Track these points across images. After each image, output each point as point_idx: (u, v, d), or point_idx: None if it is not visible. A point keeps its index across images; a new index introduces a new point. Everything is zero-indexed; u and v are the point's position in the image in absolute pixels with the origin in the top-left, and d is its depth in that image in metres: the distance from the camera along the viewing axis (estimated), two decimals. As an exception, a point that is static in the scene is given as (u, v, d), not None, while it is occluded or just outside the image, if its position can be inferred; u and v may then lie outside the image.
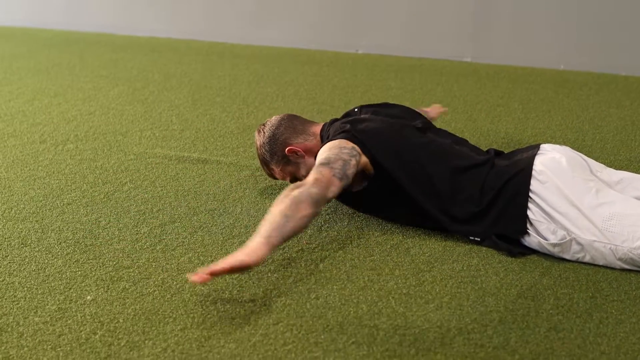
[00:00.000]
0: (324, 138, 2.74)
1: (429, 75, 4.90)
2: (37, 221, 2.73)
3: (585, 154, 3.38)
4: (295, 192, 2.27)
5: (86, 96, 4.32)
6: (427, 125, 2.80)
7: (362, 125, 2.64)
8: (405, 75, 4.86)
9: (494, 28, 5.28)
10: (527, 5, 5.18)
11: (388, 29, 5.50)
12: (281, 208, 2.22)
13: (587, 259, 2.41)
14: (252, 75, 4.84)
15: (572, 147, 3.49)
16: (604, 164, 3.27)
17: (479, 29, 5.31)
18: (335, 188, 2.37)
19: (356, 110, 2.88)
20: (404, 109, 2.91)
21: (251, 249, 2.14)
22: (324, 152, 2.51)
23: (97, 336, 2.05)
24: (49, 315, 2.14)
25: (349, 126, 2.62)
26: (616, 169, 3.21)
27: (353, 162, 2.46)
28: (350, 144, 2.52)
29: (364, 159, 2.55)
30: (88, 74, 4.81)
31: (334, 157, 2.45)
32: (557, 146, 2.61)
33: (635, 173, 3.11)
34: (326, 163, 2.42)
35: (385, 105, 2.92)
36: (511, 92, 4.49)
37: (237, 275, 2.35)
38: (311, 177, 2.36)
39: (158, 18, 6.06)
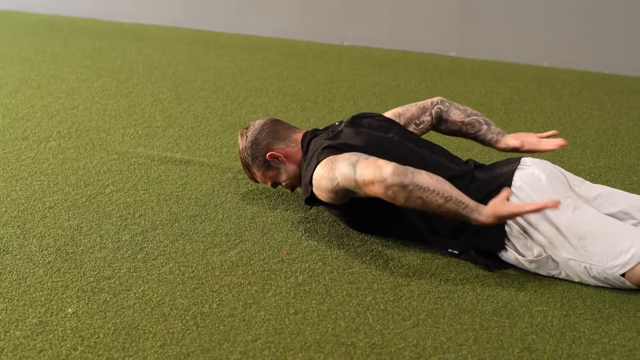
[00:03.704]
0: (304, 149, 2.76)
1: (414, 70, 4.91)
2: (18, 226, 2.73)
3: (566, 159, 3.46)
4: (400, 167, 2.34)
5: (69, 88, 4.30)
6: (404, 135, 2.81)
7: (341, 141, 2.66)
8: (390, 71, 4.87)
9: (479, 23, 5.29)
10: (513, 0, 5.19)
11: (374, 21, 5.50)
12: (436, 180, 2.35)
13: (562, 275, 2.45)
14: (236, 68, 4.84)
15: (553, 152, 3.55)
16: (584, 171, 3.33)
17: (464, 23, 5.32)
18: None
19: (337, 124, 2.89)
20: (382, 119, 2.92)
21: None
22: (329, 171, 2.49)
23: (77, 352, 2.08)
24: (30, 329, 2.16)
25: (327, 142, 2.63)
26: (595, 176, 3.28)
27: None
28: (339, 155, 2.55)
29: None
30: (72, 64, 4.79)
31: (353, 158, 2.46)
32: (538, 160, 2.63)
33: (614, 184, 3.18)
34: (356, 161, 2.43)
35: (363, 116, 2.93)
36: (494, 91, 4.51)
37: (216, 288, 2.38)
38: (374, 163, 2.37)
39: (143, 4, 6.02)
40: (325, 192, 2.54)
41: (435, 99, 3.01)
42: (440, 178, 2.37)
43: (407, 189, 2.31)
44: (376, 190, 2.35)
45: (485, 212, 2.31)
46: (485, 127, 2.92)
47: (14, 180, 3.10)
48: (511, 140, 2.85)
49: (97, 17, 6.05)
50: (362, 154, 2.50)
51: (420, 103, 3.02)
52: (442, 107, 2.97)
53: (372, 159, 2.42)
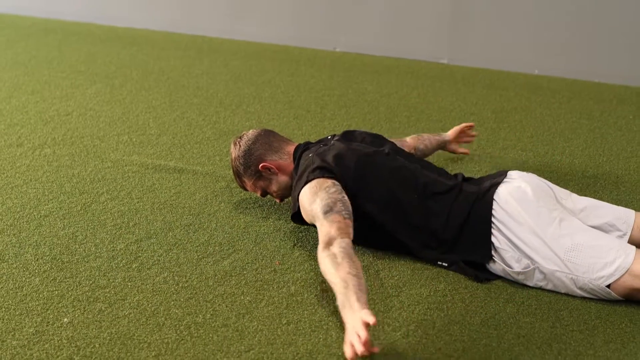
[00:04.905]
0: (296, 162, 2.81)
1: (405, 77, 4.96)
2: (14, 235, 2.77)
3: (555, 169, 3.51)
4: (338, 250, 2.33)
5: (64, 94, 4.33)
6: (395, 150, 2.86)
7: (330, 156, 2.70)
8: (382, 78, 4.92)
9: (471, 30, 5.34)
10: (505, 8, 5.24)
11: (366, 28, 5.54)
12: (347, 270, 2.24)
13: (549, 287, 2.50)
14: (229, 74, 4.87)
15: (542, 161, 3.61)
16: (572, 181, 3.39)
17: (456, 30, 5.37)
18: (352, 228, 2.47)
19: (329, 138, 2.94)
20: (374, 135, 2.98)
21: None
22: (311, 199, 2.56)
23: (73, 362, 2.12)
24: (27, 338, 2.20)
25: (318, 161, 2.67)
26: (583, 187, 3.33)
27: (345, 196, 2.56)
28: (329, 181, 2.59)
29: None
30: (66, 69, 4.82)
31: (330, 200, 2.51)
32: (524, 174, 2.69)
33: (601, 195, 3.23)
34: (329, 210, 2.49)
35: (355, 131, 2.99)
36: (485, 99, 4.56)
37: (210, 298, 2.42)
38: (331, 229, 2.41)
39: (137, 8, 6.05)
40: (306, 215, 2.63)
41: (409, 139, 3.30)
42: (352, 277, 2.21)
43: (320, 266, 2.37)
44: None
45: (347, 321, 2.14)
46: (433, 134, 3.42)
47: (9, 187, 3.13)
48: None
49: (91, 21, 6.07)
50: (342, 201, 2.52)
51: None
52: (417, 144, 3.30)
53: (339, 218, 2.45)
